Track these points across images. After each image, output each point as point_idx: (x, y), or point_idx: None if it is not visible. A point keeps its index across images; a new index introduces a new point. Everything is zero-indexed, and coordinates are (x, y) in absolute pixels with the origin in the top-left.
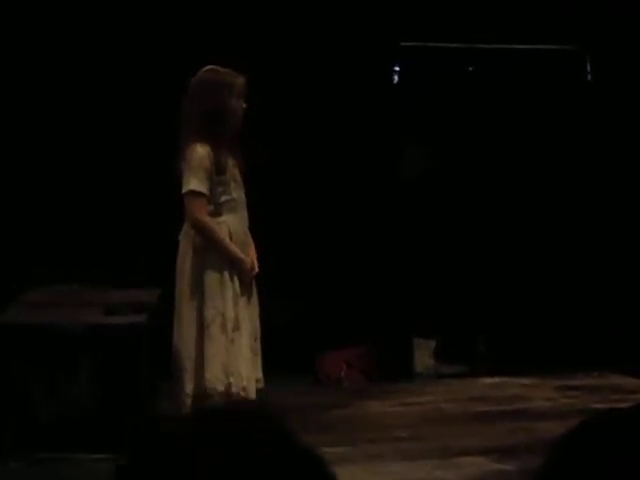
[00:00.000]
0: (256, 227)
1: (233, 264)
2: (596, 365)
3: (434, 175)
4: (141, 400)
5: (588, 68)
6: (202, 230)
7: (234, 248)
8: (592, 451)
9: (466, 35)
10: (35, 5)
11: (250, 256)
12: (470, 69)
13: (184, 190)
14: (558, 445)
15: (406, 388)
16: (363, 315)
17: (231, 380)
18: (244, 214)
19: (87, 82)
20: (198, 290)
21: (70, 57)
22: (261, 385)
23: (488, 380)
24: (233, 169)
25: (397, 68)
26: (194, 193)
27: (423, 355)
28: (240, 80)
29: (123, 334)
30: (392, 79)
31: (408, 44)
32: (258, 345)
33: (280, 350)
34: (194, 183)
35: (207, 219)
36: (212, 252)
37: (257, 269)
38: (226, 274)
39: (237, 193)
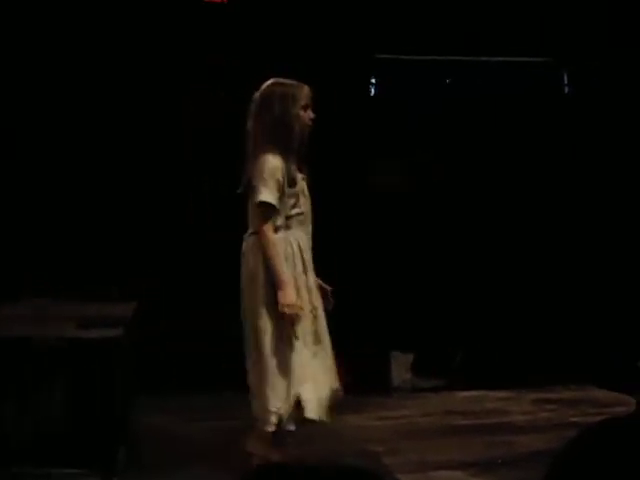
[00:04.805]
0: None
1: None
2: (573, 378)
3: (410, 187)
4: (115, 415)
5: (565, 80)
6: (263, 243)
7: (284, 273)
8: (592, 462)
9: (443, 48)
10: (43, 7)
11: (309, 287)
12: (447, 81)
13: (255, 201)
14: (558, 457)
15: (383, 402)
16: (340, 327)
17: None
18: (310, 229)
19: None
20: (272, 304)
21: (71, 68)
22: (341, 394)
23: (465, 394)
24: (301, 182)
25: (373, 81)
26: (264, 204)
27: (400, 369)
28: (304, 90)
29: (97, 348)
30: (369, 92)
31: (384, 56)
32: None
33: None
34: (264, 194)
35: (271, 233)
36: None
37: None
38: (302, 289)
39: (305, 207)
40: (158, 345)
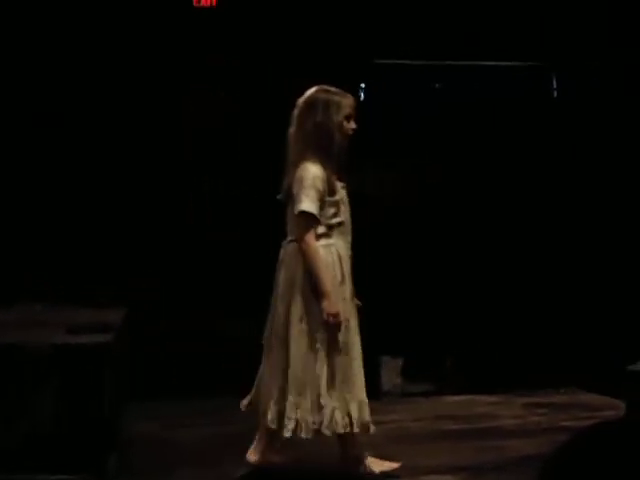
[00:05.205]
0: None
1: (322, 293)
2: (563, 382)
3: (400, 192)
4: (106, 421)
5: (554, 84)
6: (306, 252)
7: (329, 283)
8: (583, 466)
9: (433, 52)
10: (44, 8)
11: (347, 299)
12: (437, 86)
13: (296, 211)
14: (549, 462)
15: (373, 406)
16: None
17: (349, 407)
18: (350, 238)
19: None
20: (309, 313)
21: (72, 68)
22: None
23: (455, 398)
24: (341, 190)
25: (363, 85)
26: (305, 214)
27: (390, 373)
28: (348, 100)
29: (88, 354)
30: (358, 96)
31: (374, 61)
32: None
33: (247, 369)
34: (306, 203)
35: (313, 242)
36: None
37: (341, 320)
38: (338, 300)
39: (345, 216)
40: (157, 345)
